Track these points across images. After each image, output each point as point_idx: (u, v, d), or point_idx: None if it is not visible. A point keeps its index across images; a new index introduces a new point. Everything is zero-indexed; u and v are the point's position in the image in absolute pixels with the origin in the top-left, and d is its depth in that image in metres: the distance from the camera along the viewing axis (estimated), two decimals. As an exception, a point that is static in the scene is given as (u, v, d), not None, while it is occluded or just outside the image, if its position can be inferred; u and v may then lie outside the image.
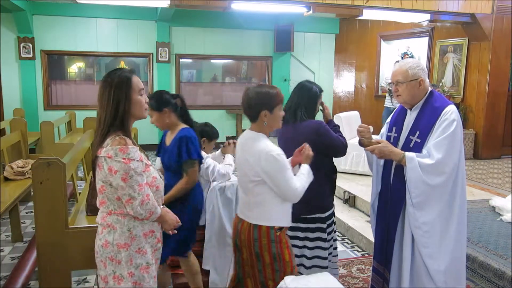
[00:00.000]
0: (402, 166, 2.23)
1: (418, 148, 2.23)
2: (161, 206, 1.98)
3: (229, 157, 2.99)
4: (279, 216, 2.14)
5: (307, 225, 2.62)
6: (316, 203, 2.58)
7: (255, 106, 2.10)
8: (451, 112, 2.18)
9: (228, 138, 2.98)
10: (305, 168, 2.22)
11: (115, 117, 1.81)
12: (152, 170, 1.93)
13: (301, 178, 2.14)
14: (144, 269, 1.88)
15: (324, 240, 2.63)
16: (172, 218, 2.01)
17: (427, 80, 2.30)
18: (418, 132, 2.25)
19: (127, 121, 1.84)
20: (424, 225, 2.18)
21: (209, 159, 2.86)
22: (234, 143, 2.90)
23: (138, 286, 1.87)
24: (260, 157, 2.04)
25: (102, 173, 1.82)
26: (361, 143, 2.36)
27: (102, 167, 1.81)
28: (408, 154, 2.18)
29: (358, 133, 2.37)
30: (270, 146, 2.07)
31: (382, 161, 2.42)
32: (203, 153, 2.83)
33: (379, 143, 2.27)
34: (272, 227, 2.11)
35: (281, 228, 2.15)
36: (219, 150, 3.11)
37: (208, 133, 2.99)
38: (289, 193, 2.07)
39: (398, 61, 4.21)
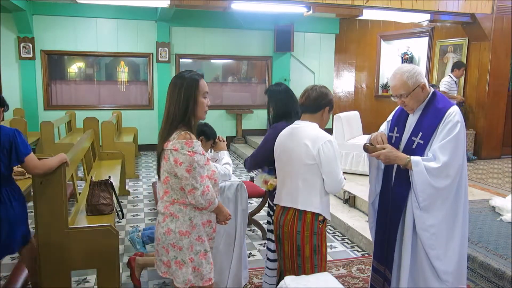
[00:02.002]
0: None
1: (420, 149, 2.22)
2: (218, 198, 2.12)
3: (225, 154, 2.99)
4: (324, 206, 2.24)
5: None
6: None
7: (322, 101, 2.29)
8: (454, 113, 2.18)
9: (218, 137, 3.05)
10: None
11: (184, 115, 1.98)
12: (212, 164, 2.11)
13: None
14: (202, 255, 2.05)
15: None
16: (227, 210, 2.18)
17: (427, 82, 2.30)
18: (421, 134, 2.24)
19: (192, 119, 2.01)
20: (431, 227, 2.18)
21: (210, 162, 2.85)
22: (224, 140, 3.04)
23: (197, 271, 2.04)
24: (319, 141, 2.17)
25: (168, 165, 1.98)
26: (365, 149, 2.36)
27: (168, 159, 1.97)
28: (414, 158, 2.17)
29: (371, 139, 2.35)
30: (326, 133, 2.24)
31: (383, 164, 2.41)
32: None
33: (384, 148, 2.26)
34: (317, 218, 2.21)
35: (323, 220, 2.25)
36: (212, 149, 3.11)
37: (206, 133, 2.99)
38: (336, 181, 2.21)
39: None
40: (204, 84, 2.05)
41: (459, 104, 6.88)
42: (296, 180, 2.23)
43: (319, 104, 2.28)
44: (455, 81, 6.81)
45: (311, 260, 2.23)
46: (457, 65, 6.82)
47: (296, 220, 2.22)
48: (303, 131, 2.24)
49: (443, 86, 6.74)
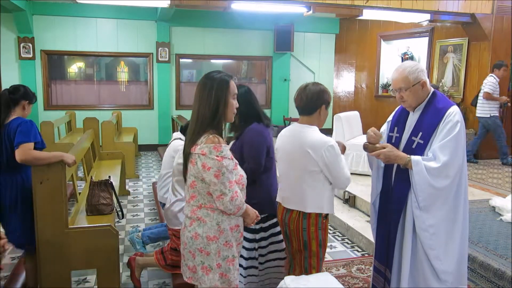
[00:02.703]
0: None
1: (420, 149, 2.22)
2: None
3: None
4: (329, 204, 2.34)
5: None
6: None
7: (316, 101, 2.30)
8: (454, 113, 2.17)
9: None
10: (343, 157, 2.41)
11: (214, 117, 1.92)
12: (239, 168, 2.04)
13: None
14: (230, 261, 1.99)
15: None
16: (253, 212, 2.11)
17: (428, 81, 2.29)
18: (420, 133, 2.24)
19: (222, 121, 1.97)
20: (431, 227, 2.17)
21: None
22: None
23: (224, 278, 1.98)
24: (321, 148, 2.23)
25: (195, 169, 1.93)
26: (365, 148, 2.35)
27: (196, 163, 1.92)
28: (414, 157, 2.17)
29: (368, 137, 2.35)
30: (326, 137, 2.28)
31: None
32: None
33: (384, 147, 2.26)
34: (320, 215, 2.31)
35: (326, 216, 2.36)
36: None
37: None
38: (342, 180, 2.29)
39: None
40: (234, 85, 2.01)
41: (503, 105, 6.70)
42: (301, 185, 2.30)
43: (314, 105, 2.30)
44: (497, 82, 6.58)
45: (317, 253, 2.35)
46: (497, 65, 6.59)
47: (301, 218, 2.32)
48: (304, 137, 2.28)
49: (487, 87, 6.48)
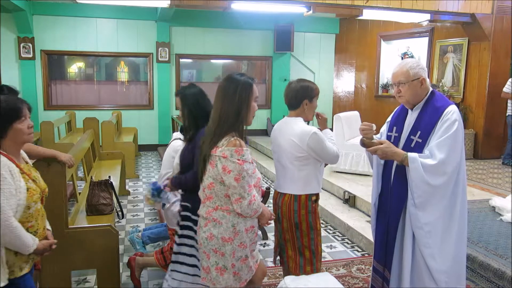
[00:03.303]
0: (403, 165, 2.23)
1: (419, 148, 2.22)
2: None
3: None
4: (317, 185, 2.54)
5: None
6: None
7: (298, 97, 2.48)
8: (452, 112, 2.18)
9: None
10: (328, 132, 2.63)
11: (237, 119, 1.95)
12: (257, 171, 2.08)
13: (332, 142, 2.56)
14: (243, 260, 2.04)
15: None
16: (268, 212, 2.16)
17: (428, 80, 2.30)
18: (419, 132, 2.24)
19: (244, 124, 1.98)
20: (426, 225, 2.17)
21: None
22: None
23: (236, 276, 2.04)
24: (305, 136, 2.42)
25: (214, 171, 1.95)
26: (363, 144, 2.35)
27: (216, 165, 1.93)
28: (411, 154, 2.18)
29: (360, 131, 2.36)
30: (309, 127, 2.47)
31: (382, 160, 2.42)
32: None
33: (381, 143, 2.26)
34: (310, 198, 2.50)
35: (316, 200, 2.55)
36: None
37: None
38: (331, 157, 2.51)
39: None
40: (256, 88, 2.03)
41: None
42: (293, 171, 2.50)
43: (297, 100, 2.50)
44: None
45: (308, 234, 2.52)
46: None
47: (292, 201, 2.50)
48: (290, 128, 2.49)
49: (506, 88, 6.49)
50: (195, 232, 2.28)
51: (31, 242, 1.84)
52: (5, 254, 1.79)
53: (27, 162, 2.03)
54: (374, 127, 2.34)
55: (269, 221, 2.17)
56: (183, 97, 2.49)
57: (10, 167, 1.79)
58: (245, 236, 2.01)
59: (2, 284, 1.77)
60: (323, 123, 2.74)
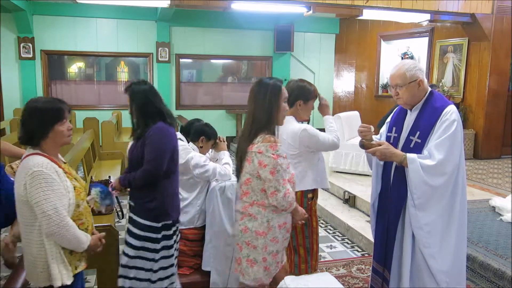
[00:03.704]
0: (402, 166, 2.23)
1: (418, 148, 2.22)
2: None
3: (225, 155, 2.98)
4: (312, 181, 2.58)
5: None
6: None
7: (293, 96, 2.52)
8: (451, 112, 2.18)
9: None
10: (329, 119, 2.72)
11: (269, 119, 2.09)
12: (291, 167, 2.22)
13: (331, 129, 2.64)
14: (274, 255, 2.14)
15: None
16: (302, 210, 2.25)
17: (426, 80, 2.30)
18: (418, 133, 2.24)
19: (275, 124, 2.13)
20: (426, 225, 2.17)
21: (211, 163, 2.84)
22: (224, 140, 3.05)
23: (267, 271, 2.14)
24: (296, 136, 2.52)
25: (251, 167, 2.08)
26: (362, 145, 2.35)
27: (252, 161, 2.07)
28: (410, 155, 2.18)
29: (359, 133, 2.36)
30: (299, 125, 2.56)
31: (382, 161, 2.42)
32: (201, 154, 2.83)
33: (380, 145, 2.26)
34: (306, 195, 2.55)
35: (312, 198, 2.60)
36: (213, 149, 3.10)
37: (207, 133, 2.99)
38: (328, 146, 2.58)
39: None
40: (285, 89, 2.18)
41: None
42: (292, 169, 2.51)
43: (291, 99, 2.53)
44: None
45: (302, 232, 2.57)
46: None
47: None
48: (283, 127, 2.47)
49: None
50: (158, 242, 2.30)
51: (85, 239, 1.88)
52: (63, 254, 1.84)
53: (64, 162, 2.02)
54: (372, 128, 2.34)
55: (303, 219, 2.25)
56: (131, 94, 2.35)
57: (55, 168, 1.81)
58: (277, 232, 2.11)
59: (68, 282, 1.82)
60: (322, 109, 2.78)
